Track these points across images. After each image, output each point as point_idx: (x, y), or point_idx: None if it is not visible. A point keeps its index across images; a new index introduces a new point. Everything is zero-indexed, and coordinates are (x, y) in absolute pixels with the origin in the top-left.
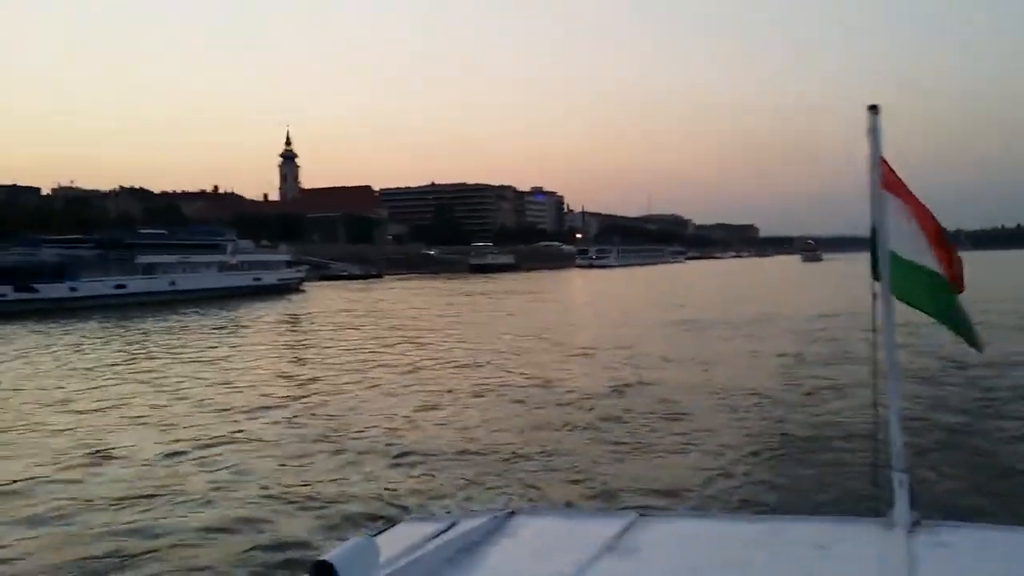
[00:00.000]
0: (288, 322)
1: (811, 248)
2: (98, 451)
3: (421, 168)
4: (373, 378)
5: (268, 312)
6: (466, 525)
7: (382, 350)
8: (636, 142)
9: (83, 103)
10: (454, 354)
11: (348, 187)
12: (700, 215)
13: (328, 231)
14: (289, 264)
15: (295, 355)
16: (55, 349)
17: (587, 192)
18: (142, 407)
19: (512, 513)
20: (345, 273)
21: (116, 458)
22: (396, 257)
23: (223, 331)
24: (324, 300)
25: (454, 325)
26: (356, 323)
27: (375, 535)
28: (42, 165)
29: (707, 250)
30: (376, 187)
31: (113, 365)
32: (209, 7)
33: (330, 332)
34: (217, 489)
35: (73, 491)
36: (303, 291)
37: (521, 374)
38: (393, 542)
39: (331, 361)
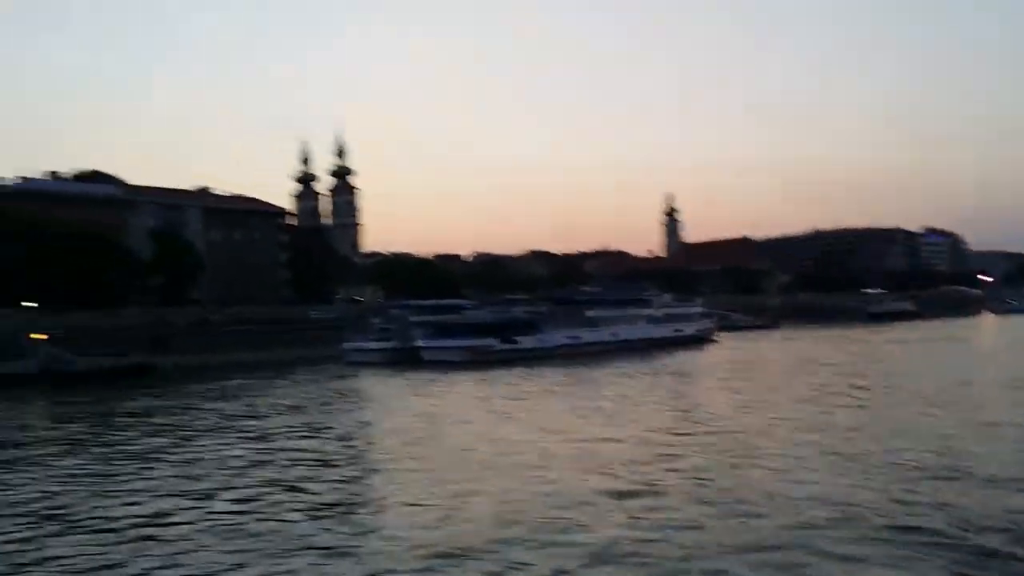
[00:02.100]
0: (750, 367)
1: None
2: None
3: (799, 213)
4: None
5: (712, 358)
6: None
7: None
8: None
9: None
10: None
11: (728, 240)
12: None
13: (714, 283)
14: (703, 316)
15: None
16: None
17: (988, 229)
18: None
19: None
20: (743, 324)
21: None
22: (787, 306)
23: (703, 375)
24: (748, 349)
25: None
26: (809, 368)
27: None
28: (462, 231)
29: None
30: (754, 234)
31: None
32: (585, 83)
33: (810, 374)
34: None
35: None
36: (716, 341)
37: None
38: None
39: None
